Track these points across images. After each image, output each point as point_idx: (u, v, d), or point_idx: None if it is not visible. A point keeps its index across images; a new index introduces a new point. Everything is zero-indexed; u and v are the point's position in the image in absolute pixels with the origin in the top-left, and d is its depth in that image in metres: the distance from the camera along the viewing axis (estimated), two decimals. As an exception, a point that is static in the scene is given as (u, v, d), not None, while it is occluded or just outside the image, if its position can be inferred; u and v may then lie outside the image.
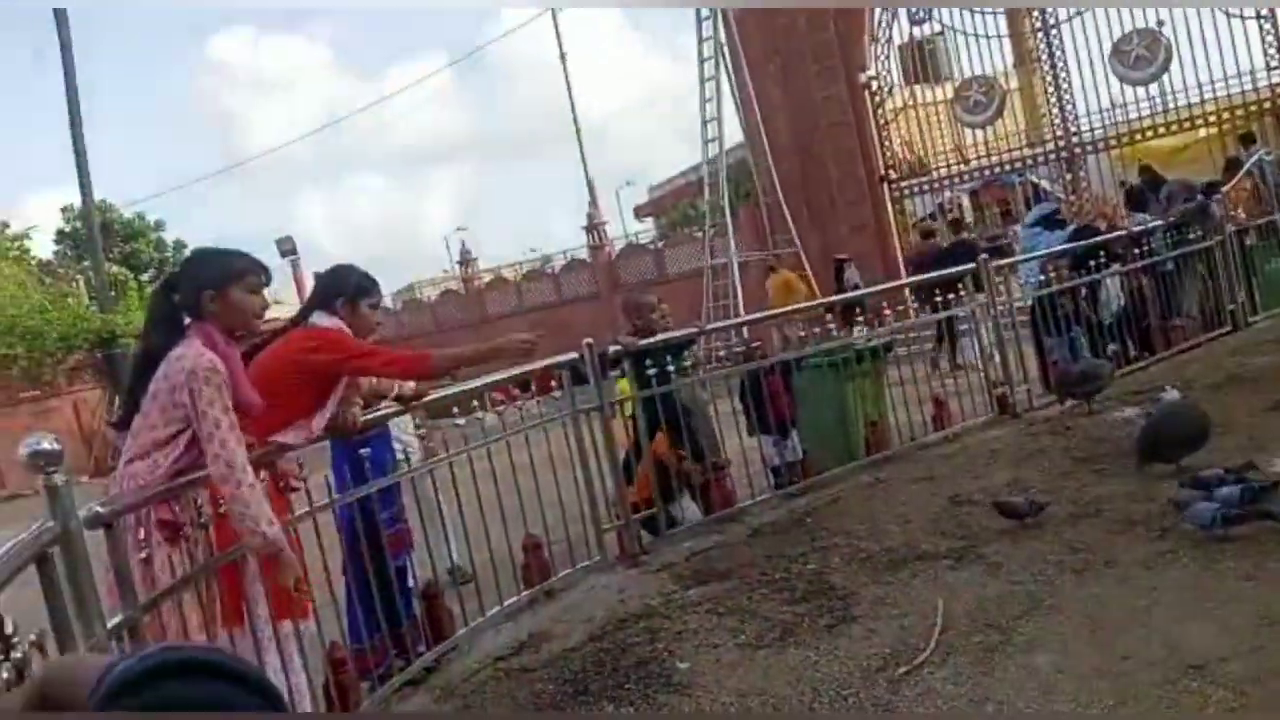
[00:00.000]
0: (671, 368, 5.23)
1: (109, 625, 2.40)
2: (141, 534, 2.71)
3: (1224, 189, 8.33)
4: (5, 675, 1.76)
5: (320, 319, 3.73)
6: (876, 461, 5.97)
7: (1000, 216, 19.57)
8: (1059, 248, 7.19)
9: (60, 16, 18.03)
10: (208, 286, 3.03)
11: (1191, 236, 7.59)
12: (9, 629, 1.87)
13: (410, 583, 4.29)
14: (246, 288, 3.10)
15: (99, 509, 2.48)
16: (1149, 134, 14.53)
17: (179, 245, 30.75)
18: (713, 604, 4.29)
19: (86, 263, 24.60)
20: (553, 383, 5.14)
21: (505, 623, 4.46)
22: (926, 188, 16.54)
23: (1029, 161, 15.75)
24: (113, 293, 20.83)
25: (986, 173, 16.12)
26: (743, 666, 3.62)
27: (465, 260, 24.52)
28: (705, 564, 4.86)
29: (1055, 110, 15.05)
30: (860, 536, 4.79)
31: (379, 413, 4.09)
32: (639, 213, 35.00)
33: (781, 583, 4.39)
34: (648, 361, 5.18)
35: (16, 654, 1.87)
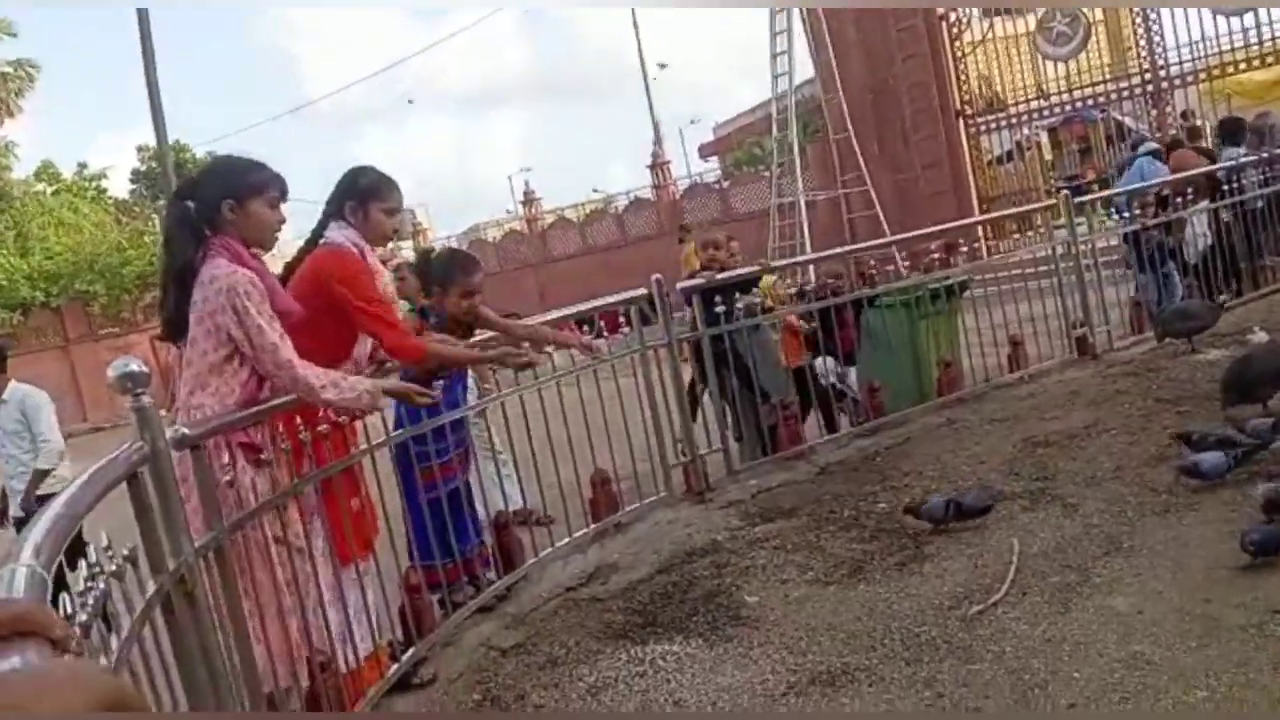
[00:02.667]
0: (740, 305, 5.17)
1: (196, 545, 2.46)
2: (225, 457, 2.77)
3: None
4: (102, 586, 1.82)
5: (334, 232, 3.45)
6: (949, 402, 5.86)
7: (1079, 154, 18.93)
8: (1150, 182, 6.90)
9: (131, -44, 18.19)
10: (228, 196, 2.95)
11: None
12: (104, 542, 1.93)
13: (474, 506, 4.28)
14: (266, 202, 3.03)
15: (186, 430, 2.53)
16: (1240, 67, 13.85)
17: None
18: (780, 540, 4.28)
19: (161, 201, 25.13)
20: (621, 320, 5.13)
21: (573, 554, 4.51)
22: (1003, 123, 16.01)
23: (1112, 96, 15.13)
24: (187, 231, 21.25)
25: (1067, 108, 15.54)
26: (811, 602, 3.62)
27: (529, 200, 24.50)
28: (772, 501, 4.85)
29: (1143, 42, 14.40)
30: (931, 477, 4.73)
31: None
32: (703, 152, 34.51)
33: (850, 521, 4.36)
34: (716, 299, 5.13)
35: (111, 566, 1.93)
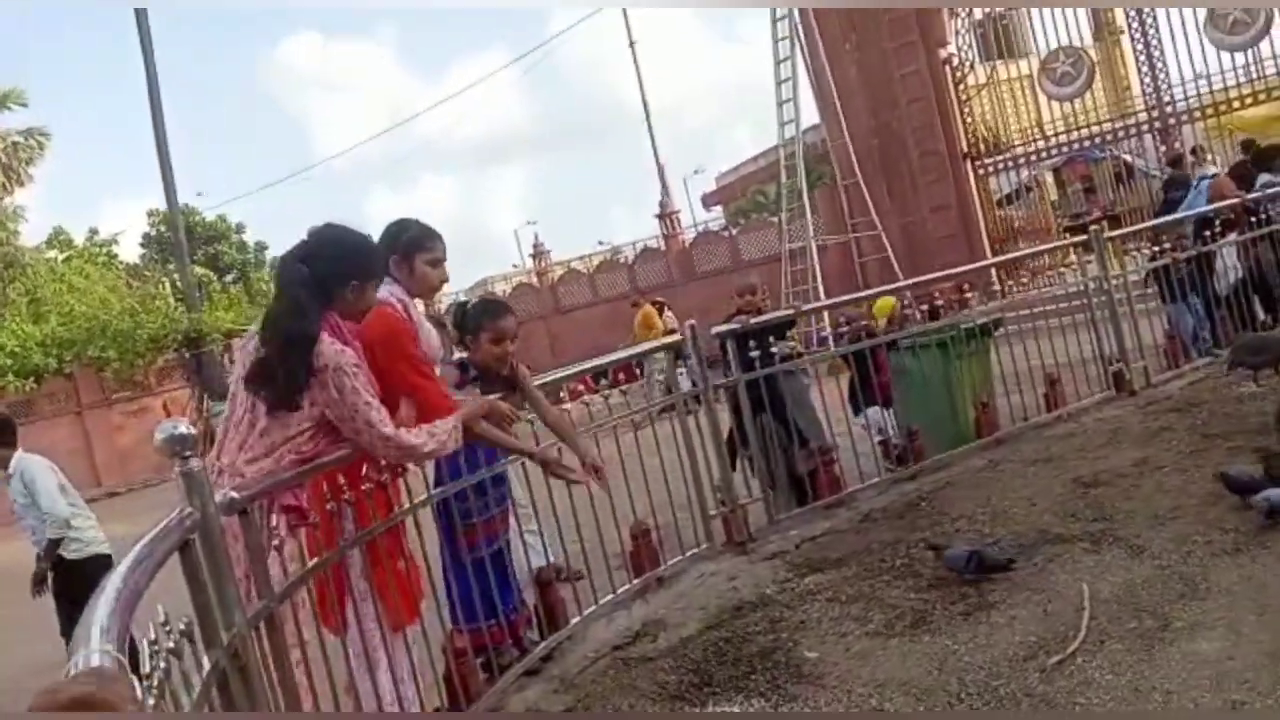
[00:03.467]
0: (775, 349, 5.07)
1: (248, 615, 2.34)
2: (273, 521, 2.65)
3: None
4: (163, 665, 1.70)
5: (383, 290, 3.29)
6: (988, 444, 5.73)
7: (1084, 194, 18.95)
8: (1186, 213, 6.82)
9: (140, 16, 18.43)
10: (355, 278, 2.92)
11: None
12: (161, 617, 1.81)
13: (513, 566, 4.15)
14: (375, 285, 3.06)
15: (235, 494, 2.42)
16: (1246, 101, 13.87)
17: (260, 246, 31.42)
18: (832, 592, 4.14)
19: (172, 265, 25.24)
20: (637, 371, 5.03)
21: (616, 611, 4.36)
22: (1009, 165, 16.04)
23: (1119, 134, 15.15)
24: (198, 294, 21.33)
25: (1073, 146, 15.56)
26: (876, 656, 3.47)
27: (538, 253, 24.51)
28: (817, 551, 4.71)
29: (1148, 79, 14.45)
30: (981, 520, 4.59)
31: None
32: (707, 201, 34.77)
33: (904, 569, 4.21)
34: (751, 343, 5.03)
35: (169, 643, 1.81)
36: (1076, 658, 3.12)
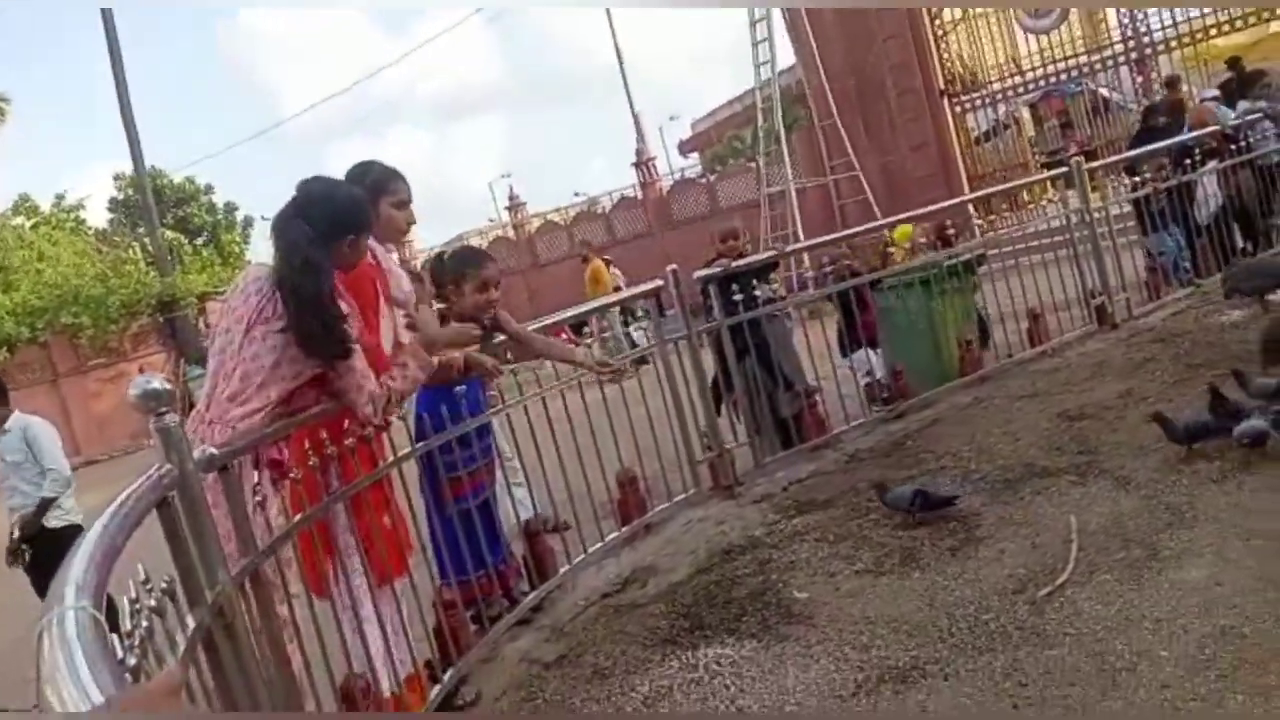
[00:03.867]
0: (759, 292, 5.03)
1: (233, 572, 2.29)
2: (256, 478, 2.60)
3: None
4: (145, 624, 1.66)
5: None
6: (973, 381, 5.73)
7: (1060, 129, 18.88)
8: (1165, 143, 6.78)
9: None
10: (351, 233, 2.92)
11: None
12: (141, 575, 1.77)
13: (500, 518, 4.13)
14: (366, 238, 3.03)
15: (214, 450, 2.37)
16: (1223, 29, 13.79)
17: (230, 207, 30.92)
18: (820, 532, 4.14)
19: (141, 229, 24.83)
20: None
21: (605, 559, 4.35)
22: (986, 101, 15.94)
23: (1096, 66, 15.05)
24: (169, 257, 21.02)
25: (1049, 81, 15.47)
26: (866, 593, 3.47)
27: (514, 205, 24.27)
28: (804, 493, 4.71)
29: (1124, 10, 14.32)
30: (968, 457, 4.59)
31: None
32: (683, 148, 34.41)
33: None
34: (734, 288, 4.98)
35: (150, 601, 1.77)
36: (1066, 589, 3.12)
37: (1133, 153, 6.80)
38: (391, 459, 3.43)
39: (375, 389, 2.88)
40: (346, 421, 3.03)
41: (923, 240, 5.72)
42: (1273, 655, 2.52)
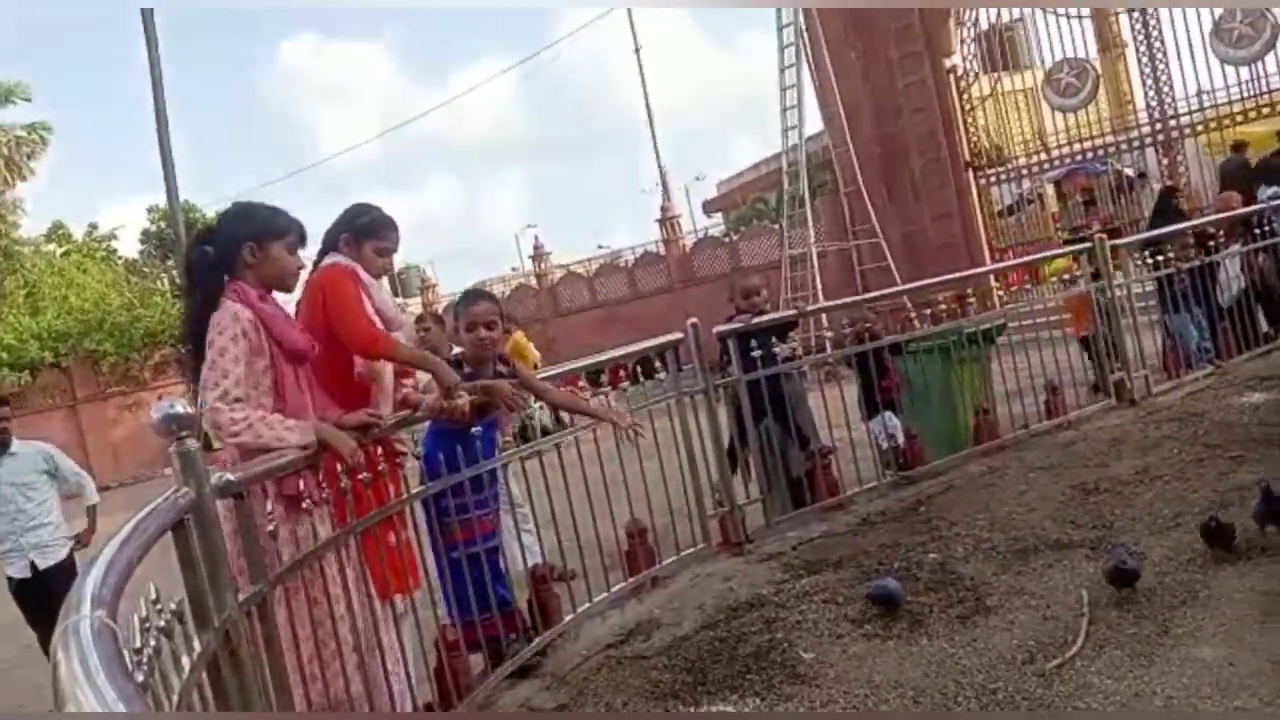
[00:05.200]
0: (778, 350, 5.05)
1: (240, 599, 2.31)
2: (269, 506, 2.62)
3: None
4: (154, 643, 1.67)
5: (332, 258, 3.53)
6: (989, 450, 5.71)
7: (1084, 206, 18.97)
8: (1186, 224, 6.82)
9: (146, 15, 18.37)
10: (249, 239, 2.95)
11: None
12: (153, 594, 1.78)
13: (534, 562, 4.15)
14: (286, 246, 3.04)
15: (230, 477, 2.39)
16: (1249, 116, 13.89)
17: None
18: (829, 593, 4.10)
19: (171, 261, 25.15)
20: (622, 373, 4.96)
21: (610, 610, 4.33)
22: (1011, 176, 16.07)
23: (1122, 147, 15.17)
24: (197, 290, 21.23)
25: (1075, 159, 15.58)
26: (872, 657, 3.44)
27: (538, 255, 24.45)
28: (814, 553, 4.68)
29: (1152, 93, 14.47)
30: (981, 525, 4.56)
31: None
32: (707, 208, 34.72)
33: (902, 572, 4.17)
34: (753, 344, 5.01)
35: (160, 621, 1.78)
36: (1075, 662, 3.09)
37: (1156, 232, 6.83)
38: (404, 495, 3.45)
39: (229, 420, 2.76)
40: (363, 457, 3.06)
41: (943, 308, 5.73)
42: (1285, 740, 2.48)
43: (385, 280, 3.88)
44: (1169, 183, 11.15)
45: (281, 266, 3.04)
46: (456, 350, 4.22)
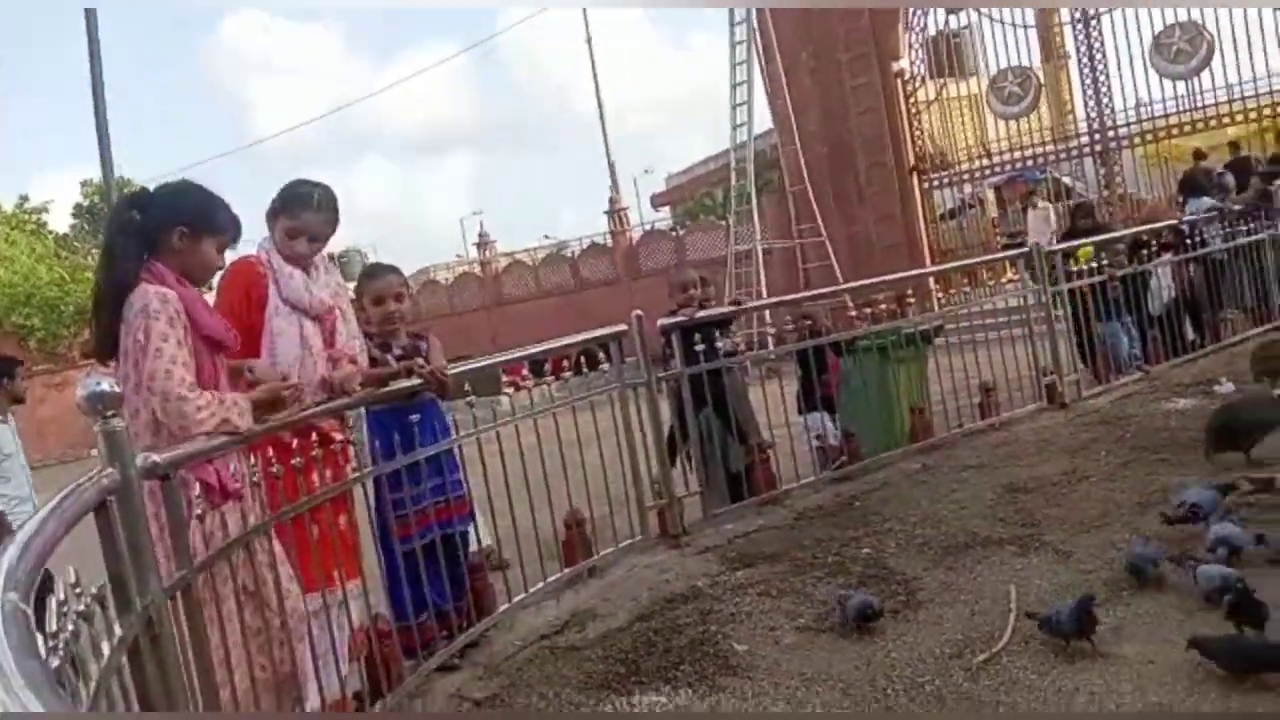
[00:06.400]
0: (721, 344, 5.07)
1: (165, 585, 2.25)
2: (196, 490, 2.56)
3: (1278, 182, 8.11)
4: (71, 628, 1.62)
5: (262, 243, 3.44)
6: (923, 448, 5.80)
7: (1022, 212, 19.38)
8: (1118, 234, 6.99)
9: (86, -13, 17.85)
10: (183, 224, 2.79)
11: (1245, 228, 7.40)
12: (72, 578, 1.73)
13: (467, 552, 4.07)
14: (217, 244, 2.90)
15: (156, 459, 2.33)
16: (1185, 129, 14.31)
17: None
18: (764, 586, 4.14)
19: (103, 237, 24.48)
20: (565, 363, 4.89)
21: (546, 600, 4.31)
22: (953, 180, 16.36)
23: (1060, 155, 15.52)
24: (130, 267, 20.72)
25: (1016, 166, 15.92)
26: (805, 650, 3.48)
27: (483, 243, 24.27)
28: (751, 546, 4.71)
29: (1091, 103, 14.82)
30: (914, 522, 4.63)
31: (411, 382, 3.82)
32: (655, 202, 34.82)
33: (836, 566, 4.23)
34: (695, 338, 5.02)
35: (79, 605, 1.73)
36: (1001, 657, 3.15)
37: (1089, 240, 6.99)
38: (340, 481, 3.39)
39: (196, 409, 2.64)
40: (295, 441, 3.01)
41: (883, 307, 5.80)
42: (1199, 734, 2.56)
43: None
44: (1081, 199, 11.47)
45: (205, 263, 2.89)
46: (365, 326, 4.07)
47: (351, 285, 3.88)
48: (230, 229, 2.94)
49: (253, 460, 2.84)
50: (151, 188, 2.97)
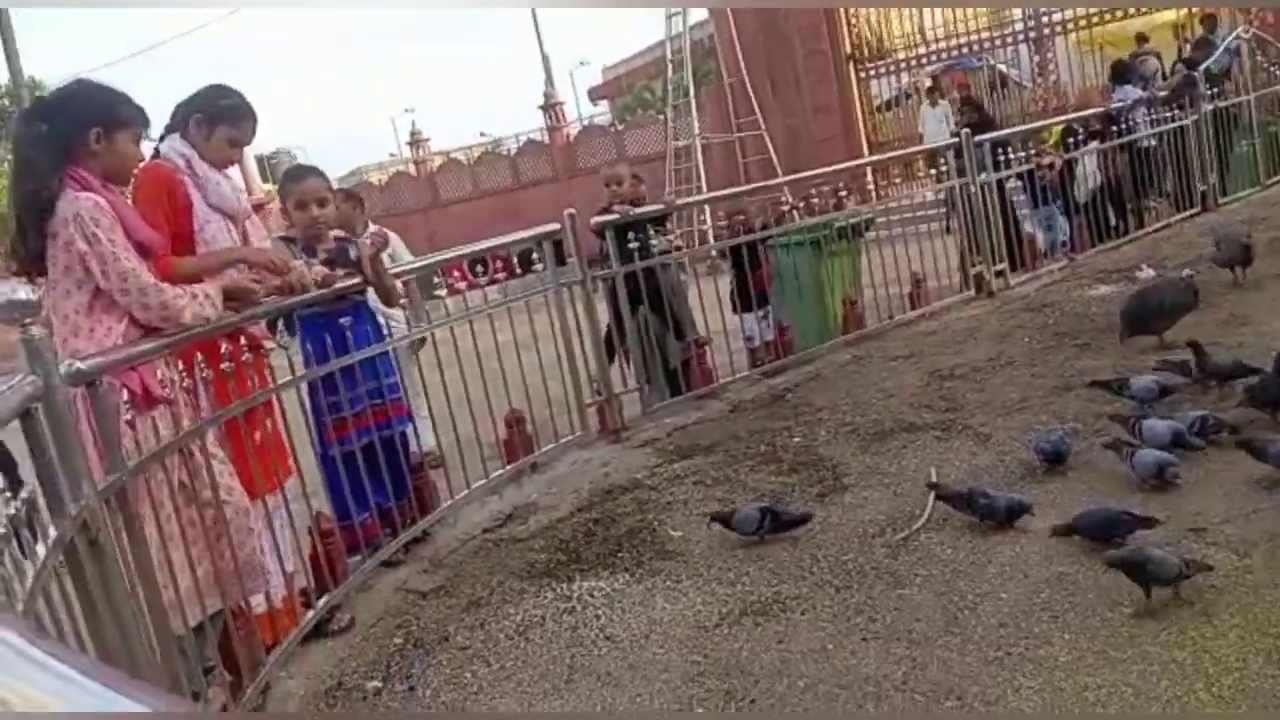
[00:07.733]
0: (655, 242, 5.09)
1: (99, 488, 2.27)
2: (125, 395, 2.55)
3: (1202, 66, 8.23)
4: (1, 530, 1.64)
5: (166, 146, 3.26)
6: (854, 339, 5.93)
7: (959, 102, 19.36)
8: (1044, 123, 7.07)
9: None
10: (96, 125, 2.74)
11: (1169, 115, 7.53)
12: (1, 483, 1.75)
13: (411, 450, 4.11)
14: (133, 137, 2.86)
15: (81, 366, 2.32)
16: (1117, 16, 14.33)
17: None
18: (699, 476, 4.27)
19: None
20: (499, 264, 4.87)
21: (489, 497, 4.40)
22: (890, 69, 16.26)
23: (995, 43, 15.49)
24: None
25: (952, 54, 15.85)
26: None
27: (416, 141, 23.67)
28: (688, 439, 4.83)
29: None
30: (844, 410, 4.78)
31: (350, 282, 3.82)
32: (593, 95, 34.13)
33: (768, 455, 4.37)
34: (630, 235, 5.03)
35: (9, 510, 1.75)
36: (920, 535, 3.32)
37: (1021, 128, 7.07)
38: (271, 386, 3.39)
39: (175, 297, 2.73)
40: (223, 345, 2.99)
41: (816, 200, 5.84)
42: (1099, 599, 2.74)
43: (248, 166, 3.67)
44: (967, 94, 11.61)
45: (126, 158, 2.85)
46: (286, 231, 4.03)
47: (270, 188, 3.81)
48: (140, 119, 2.91)
49: (179, 366, 2.84)
50: (55, 92, 2.87)
